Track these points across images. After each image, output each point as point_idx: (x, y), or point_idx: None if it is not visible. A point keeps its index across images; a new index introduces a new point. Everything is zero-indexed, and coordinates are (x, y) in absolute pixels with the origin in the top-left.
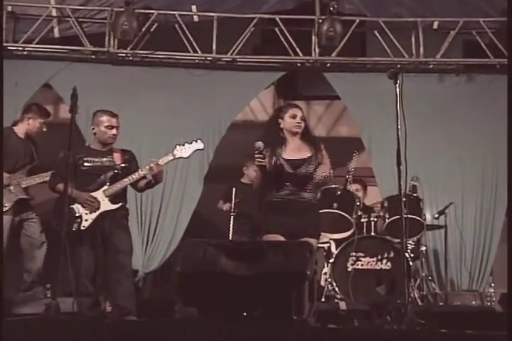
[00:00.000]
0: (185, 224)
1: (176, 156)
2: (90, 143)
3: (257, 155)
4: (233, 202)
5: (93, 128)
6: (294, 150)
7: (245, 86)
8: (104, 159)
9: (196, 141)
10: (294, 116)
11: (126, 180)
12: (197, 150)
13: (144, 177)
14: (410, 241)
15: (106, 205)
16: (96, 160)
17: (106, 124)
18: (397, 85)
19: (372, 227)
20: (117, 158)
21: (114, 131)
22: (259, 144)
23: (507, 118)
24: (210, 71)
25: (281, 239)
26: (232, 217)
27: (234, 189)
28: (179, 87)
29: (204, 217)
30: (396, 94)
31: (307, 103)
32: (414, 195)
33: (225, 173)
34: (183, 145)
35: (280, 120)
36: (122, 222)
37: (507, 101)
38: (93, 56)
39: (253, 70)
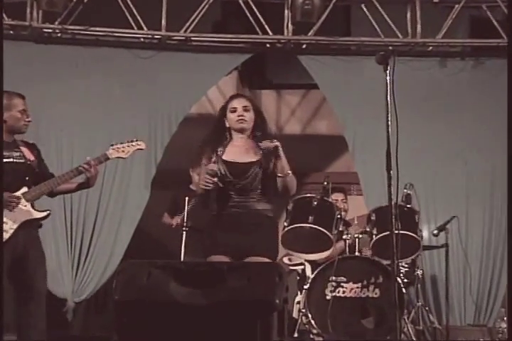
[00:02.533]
0: (126, 242)
1: (112, 156)
2: None
3: (206, 180)
4: (185, 214)
5: None
6: (240, 152)
7: (202, 71)
8: (15, 154)
9: (138, 142)
10: (233, 110)
11: (53, 183)
12: (137, 150)
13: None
14: (403, 264)
15: (29, 213)
16: (7, 155)
17: (20, 108)
18: (388, 72)
19: (357, 246)
20: (27, 152)
21: (28, 117)
22: (213, 167)
23: (507, 114)
24: (158, 52)
25: (224, 259)
26: (184, 232)
27: (186, 198)
28: (120, 71)
29: (149, 233)
30: (386, 83)
31: (278, 93)
32: (408, 206)
33: (176, 179)
34: (122, 144)
35: (225, 118)
36: (35, 234)
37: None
38: (11, 31)
39: (211, 52)
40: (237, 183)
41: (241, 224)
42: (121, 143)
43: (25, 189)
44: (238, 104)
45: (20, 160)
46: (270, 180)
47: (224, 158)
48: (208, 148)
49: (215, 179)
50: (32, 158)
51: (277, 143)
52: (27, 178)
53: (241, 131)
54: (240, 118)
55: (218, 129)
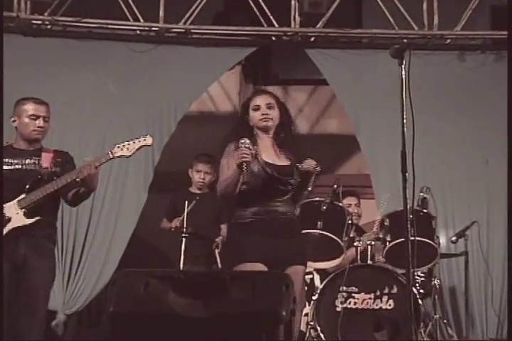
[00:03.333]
0: (122, 250)
1: (116, 155)
2: (13, 142)
3: (242, 151)
4: (185, 219)
5: (14, 121)
6: (274, 154)
7: (203, 66)
8: (28, 161)
9: (144, 137)
10: (256, 108)
11: (49, 187)
12: (143, 146)
13: (74, 184)
14: (419, 273)
15: (18, 220)
16: (16, 162)
17: (30, 113)
18: (403, 66)
19: (369, 253)
20: (46, 159)
21: (40, 123)
22: (246, 140)
23: (507, 110)
24: (155, 46)
25: (262, 268)
26: (183, 239)
27: (186, 202)
28: (114, 66)
29: (146, 240)
30: (401, 79)
31: (284, 89)
32: (425, 210)
33: (175, 181)
34: (127, 141)
35: (247, 117)
36: (45, 244)
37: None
38: None
39: (213, 45)
40: (286, 182)
41: (271, 228)
42: (127, 141)
43: (23, 195)
44: (261, 101)
45: (31, 168)
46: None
47: (264, 158)
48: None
49: (253, 151)
50: (47, 164)
51: (318, 169)
52: (27, 186)
53: (265, 129)
54: (264, 116)
55: (242, 127)
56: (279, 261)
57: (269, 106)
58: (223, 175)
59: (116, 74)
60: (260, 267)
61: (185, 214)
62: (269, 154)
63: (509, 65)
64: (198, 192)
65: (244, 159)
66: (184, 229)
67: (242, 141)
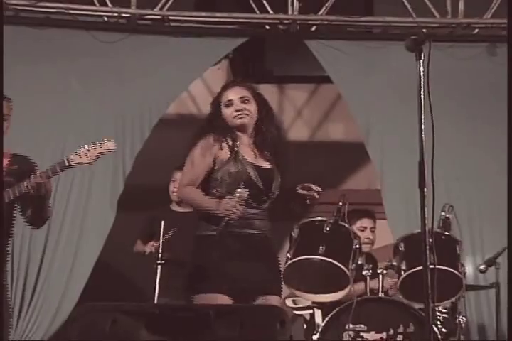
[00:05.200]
0: (84, 279)
1: (73, 163)
2: None
3: (230, 206)
4: (161, 241)
5: None
6: (254, 155)
7: (183, 60)
8: None
9: (105, 141)
10: (228, 103)
11: None
12: (105, 152)
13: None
14: (441, 308)
15: None
16: None
17: None
18: (422, 61)
19: (381, 285)
20: None
21: None
22: (243, 193)
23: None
24: (126, 35)
25: (225, 300)
26: (159, 266)
27: (162, 222)
28: (77, 59)
29: (114, 268)
30: (419, 76)
31: (280, 88)
32: (447, 233)
33: (150, 196)
34: (85, 146)
35: (221, 115)
36: None
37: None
38: None
39: (195, 35)
40: (266, 194)
41: (242, 248)
42: (85, 146)
43: None
44: (234, 95)
45: None
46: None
47: (246, 158)
48: (217, 134)
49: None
50: None
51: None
52: None
53: (242, 128)
54: (239, 113)
55: (219, 124)
56: (247, 291)
57: (244, 100)
58: (188, 177)
59: (80, 68)
60: (223, 299)
61: (161, 236)
62: (251, 154)
63: (509, 64)
64: (180, 210)
65: (229, 216)
66: (159, 255)
67: (239, 193)
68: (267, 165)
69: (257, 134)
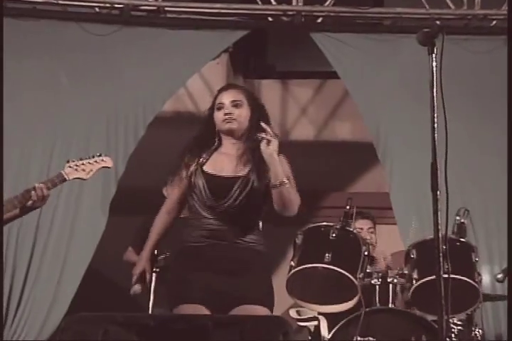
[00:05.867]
0: (74, 288)
1: (71, 177)
2: None
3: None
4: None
5: None
6: (226, 162)
7: (179, 54)
8: None
9: (102, 157)
10: (220, 106)
11: None
12: (102, 168)
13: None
14: (456, 320)
15: None
16: None
17: None
18: (435, 55)
19: (391, 294)
20: None
21: None
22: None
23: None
24: (119, 28)
25: (204, 312)
26: (154, 274)
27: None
28: (67, 53)
29: (106, 276)
30: (432, 70)
31: (283, 84)
32: (462, 239)
33: (144, 200)
34: (81, 160)
35: (214, 113)
36: None
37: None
38: None
39: (193, 28)
40: (218, 205)
41: (223, 260)
42: (81, 159)
43: None
44: (226, 98)
45: None
46: (265, 201)
47: (204, 168)
48: (191, 155)
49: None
50: None
51: (271, 139)
52: None
53: (229, 133)
54: (227, 117)
55: (205, 132)
56: (224, 301)
57: (235, 104)
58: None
59: (69, 63)
60: (200, 310)
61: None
62: (220, 162)
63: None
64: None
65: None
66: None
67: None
68: (238, 173)
69: (247, 140)
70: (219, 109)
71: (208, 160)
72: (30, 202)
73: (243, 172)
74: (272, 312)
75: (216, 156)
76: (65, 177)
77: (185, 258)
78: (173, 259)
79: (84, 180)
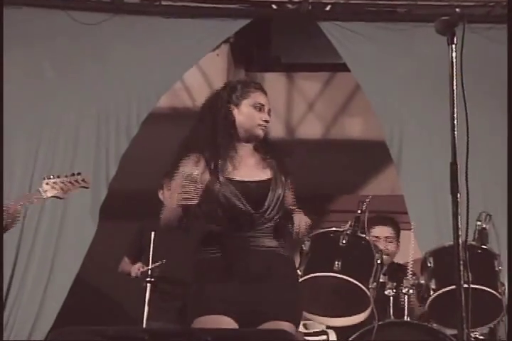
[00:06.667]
0: (60, 300)
1: (48, 195)
2: None
3: (184, 189)
4: (150, 257)
5: None
6: (248, 167)
7: (176, 45)
8: None
9: (82, 177)
10: (260, 107)
11: None
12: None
13: None
14: (477, 334)
15: None
16: None
17: None
18: (455, 46)
19: (406, 306)
20: None
21: None
22: (192, 171)
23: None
24: (111, 16)
25: (231, 324)
26: (148, 284)
27: (153, 233)
28: (54, 43)
29: (96, 287)
30: (451, 62)
31: (289, 77)
32: (484, 246)
33: (137, 205)
34: (58, 178)
35: (233, 108)
36: None
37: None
38: None
39: (190, 16)
40: (253, 214)
41: (249, 269)
42: (58, 177)
43: None
44: (266, 101)
45: None
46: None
47: (232, 176)
48: (210, 163)
49: (199, 186)
50: None
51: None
52: None
53: (254, 139)
54: (265, 123)
55: (221, 124)
56: (254, 315)
57: (269, 111)
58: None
59: (56, 54)
60: (227, 322)
61: (151, 253)
62: (244, 168)
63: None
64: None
65: (188, 202)
66: (149, 272)
67: (186, 173)
68: (266, 175)
69: (258, 144)
70: (260, 109)
71: (227, 166)
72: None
73: (268, 175)
74: (299, 325)
75: (240, 162)
76: (43, 195)
77: (205, 270)
78: (196, 269)
79: (61, 199)
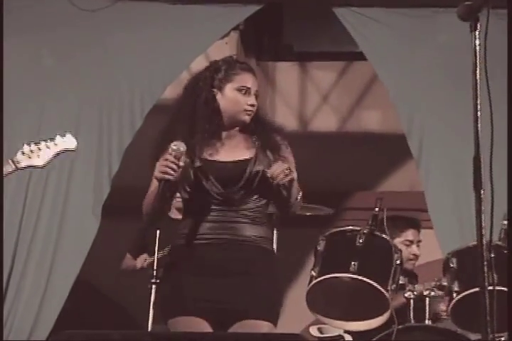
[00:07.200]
0: (60, 303)
1: (20, 165)
2: None
3: (166, 162)
4: (156, 256)
5: None
6: (231, 147)
7: (182, 33)
8: None
9: (62, 138)
10: (246, 90)
11: None
12: (62, 152)
13: None
14: (502, 339)
15: None
16: None
17: None
18: (478, 33)
19: (427, 309)
20: None
21: None
22: (179, 146)
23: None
24: (112, 2)
25: (204, 326)
26: (153, 286)
27: (158, 232)
28: (53, 31)
29: (98, 288)
30: (475, 50)
31: (302, 67)
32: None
33: (140, 201)
34: (35, 144)
35: (216, 93)
36: None
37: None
38: None
39: (196, 2)
40: (226, 194)
41: (223, 261)
42: (37, 143)
43: None
44: (252, 83)
45: None
46: (269, 189)
47: (206, 156)
48: (186, 142)
49: (181, 163)
50: None
51: (288, 178)
52: None
53: (240, 125)
54: (251, 109)
55: (202, 108)
56: (227, 314)
57: (256, 95)
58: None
59: (55, 41)
60: (199, 324)
61: (156, 250)
62: (226, 150)
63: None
64: (180, 218)
65: (166, 176)
66: (154, 272)
67: (175, 147)
68: (245, 155)
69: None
70: (244, 92)
71: (204, 147)
72: None
73: (248, 155)
74: (275, 326)
75: (223, 145)
76: (11, 166)
77: (179, 261)
78: (166, 263)
79: (40, 167)
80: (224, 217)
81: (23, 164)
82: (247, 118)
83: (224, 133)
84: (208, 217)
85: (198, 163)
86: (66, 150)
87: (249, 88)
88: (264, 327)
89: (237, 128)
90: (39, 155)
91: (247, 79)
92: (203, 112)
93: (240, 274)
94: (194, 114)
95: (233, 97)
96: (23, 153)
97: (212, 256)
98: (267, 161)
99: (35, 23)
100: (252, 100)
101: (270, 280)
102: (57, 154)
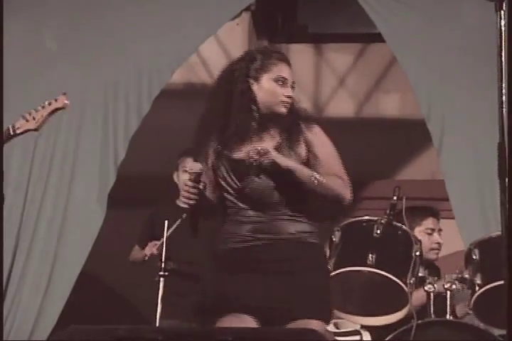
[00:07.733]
0: (64, 297)
1: (18, 131)
2: None
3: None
4: (164, 247)
5: None
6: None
7: (191, 14)
8: None
9: (54, 99)
10: (282, 80)
11: None
12: (54, 111)
13: None
14: None
15: None
16: None
17: None
18: (504, 12)
19: (448, 304)
20: None
21: None
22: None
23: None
24: None
25: (251, 323)
26: (161, 279)
27: (166, 222)
28: (54, 11)
29: (103, 282)
30: (500, 31)
31: (317, 49)
32: None
33: (148, 189)
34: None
35: (253, 83)
36: None
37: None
38: None
39: None
40: (243, 190)
41: (267, 260)
42: (35, 109)
43: None
44: (290, 74)
45: None
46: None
47: (227, 152)
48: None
49: (201, 185)
50: None
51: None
52: None
53: (276, 117)
54: (288, 100)
55: (238, 101)
56: (276, 313)
57: (293, 87)
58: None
59: (58, 23)
60: (247, 321)
61: (165, 240)
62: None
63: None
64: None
65: (190, 202)
66: (163, 264)
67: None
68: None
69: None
70: (281, 83)
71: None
72: None
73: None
74: (327, 323)
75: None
76: (10, 130)
77: (223, 264)
78: (210, 266)
79: (35, 130)
80: (262, 218)
81: (20, 130)
82: (284, 110)
83: (256, 127)
84: (247, 219)
85: (226, 164)
86: (57, 109)
87: (286, 79)
88: (316, 325)
89: (271, 122)
90: (34, 117)
91: (284, 70)
92: (239, 103)
93: (283, 271)
94: (230, 105)
95: (270, 88)
96: (23, 118)
97: (258, 255)
98: (290, 153)
99: (36, 4)
100: (289, 91)
101: (317, 276)
102: (50, 115)
